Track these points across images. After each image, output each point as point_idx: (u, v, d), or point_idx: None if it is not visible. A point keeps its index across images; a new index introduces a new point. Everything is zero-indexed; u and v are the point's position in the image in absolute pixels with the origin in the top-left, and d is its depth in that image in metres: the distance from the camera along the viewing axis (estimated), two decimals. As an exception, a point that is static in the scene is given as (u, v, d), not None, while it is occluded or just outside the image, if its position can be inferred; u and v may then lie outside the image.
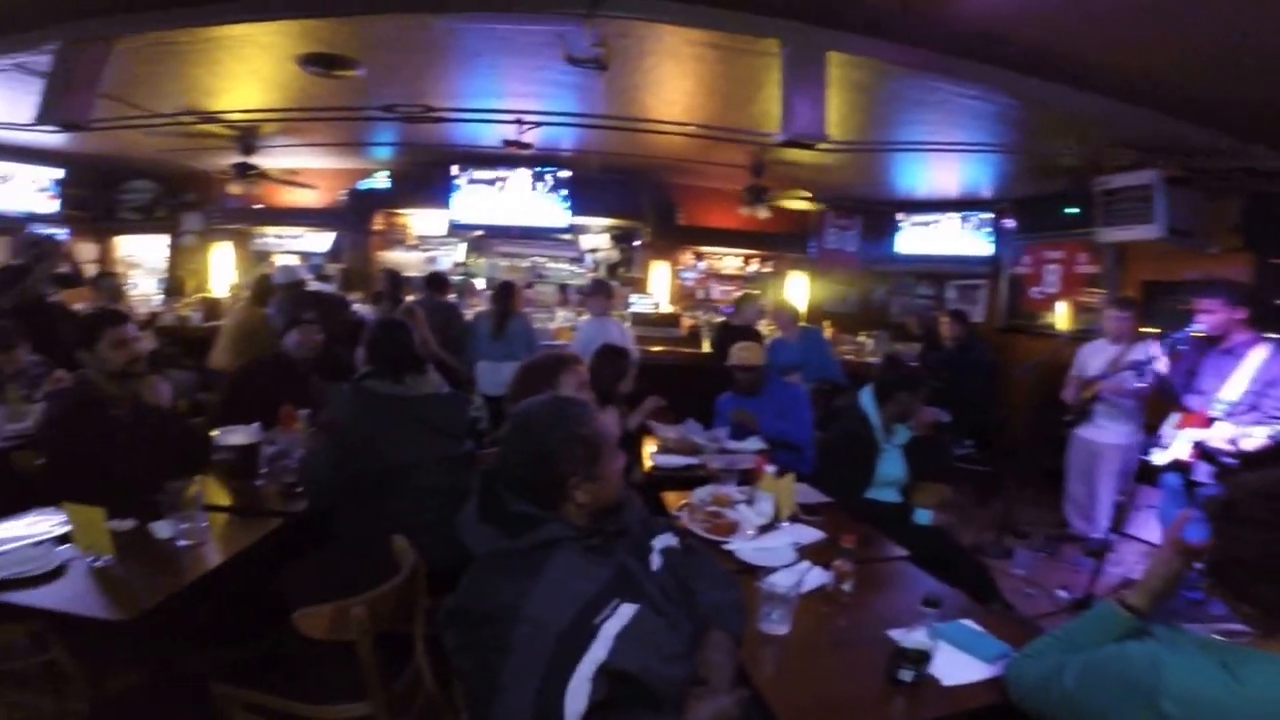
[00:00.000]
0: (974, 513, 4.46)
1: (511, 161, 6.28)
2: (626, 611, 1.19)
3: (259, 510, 2.30)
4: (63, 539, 1.92)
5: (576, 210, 6.57)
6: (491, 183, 6.54)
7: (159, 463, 2.40)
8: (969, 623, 1.63)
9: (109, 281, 5.89)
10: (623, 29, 3.16)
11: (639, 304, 6.79)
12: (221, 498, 2.39)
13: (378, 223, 7.25)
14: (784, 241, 7.20)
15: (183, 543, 1.93)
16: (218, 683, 1.74)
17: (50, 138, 5.05)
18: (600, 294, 5.07)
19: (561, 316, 6.55)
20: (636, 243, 7.30)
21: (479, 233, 7.05)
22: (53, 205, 6.83)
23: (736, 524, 2.24)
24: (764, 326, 5.74)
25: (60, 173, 6.81)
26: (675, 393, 3.59)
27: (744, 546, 2.09)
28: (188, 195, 7.47)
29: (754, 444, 3.26)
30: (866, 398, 2.97)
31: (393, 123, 5.14)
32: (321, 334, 3.41)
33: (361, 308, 5.69)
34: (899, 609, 1.71)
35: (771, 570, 1.79)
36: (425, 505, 2.19)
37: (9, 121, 4.99)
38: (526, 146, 5.02)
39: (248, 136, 5.76)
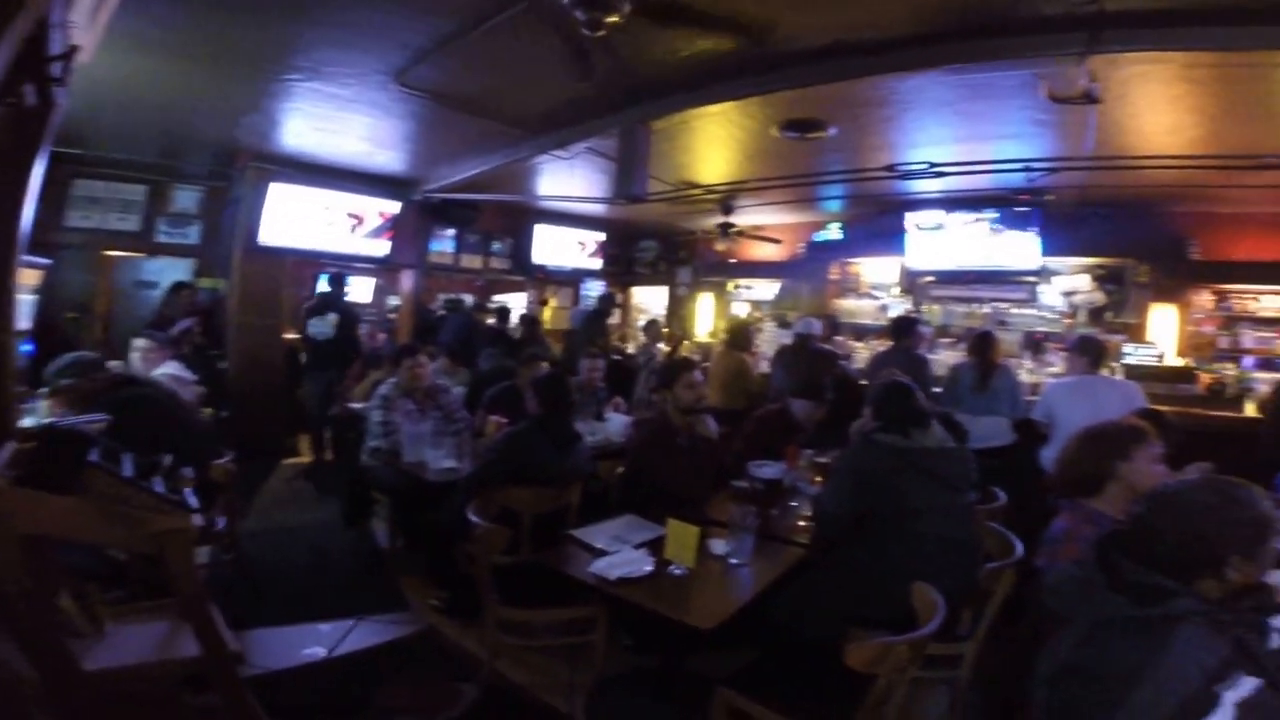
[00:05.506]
0: None
1: (967, 203, 6.12)
2: (1247, 684, 1.20)
3: (781, 537, 2.75)
4: (650, 545, 2.48)
5: (1048, 250, 6.04)
6: (942, 226, 6.46)
7: (700, 482, 3.15)
8: None
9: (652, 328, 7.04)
10: (1113, 61, 2.95)
11: (1136, 355, 5.74)
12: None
13: (833, 272, 7.82)
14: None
15: (734, 560, 2.43)
16: (720, 684, 2.02)
17: (596, 207, 6.40)
18: (1083, 350, 4.22)
19: (1027, 369, 5.93)
20: (1129, 284, 6.26)
21: (929, 278, 7.00)
22: (596, 263, 9.10)
23: None
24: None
25: (603, 235, 9.00)
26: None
27: None
28: (680, 252, 9.30)
29: None
30: None
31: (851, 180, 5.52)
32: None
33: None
34: None
35: None
36: (926, 553, 2.34)
37: (587, 196, 6.39)
38: (1040, 193, 4.83)
39: (728, 199, 6.85)
